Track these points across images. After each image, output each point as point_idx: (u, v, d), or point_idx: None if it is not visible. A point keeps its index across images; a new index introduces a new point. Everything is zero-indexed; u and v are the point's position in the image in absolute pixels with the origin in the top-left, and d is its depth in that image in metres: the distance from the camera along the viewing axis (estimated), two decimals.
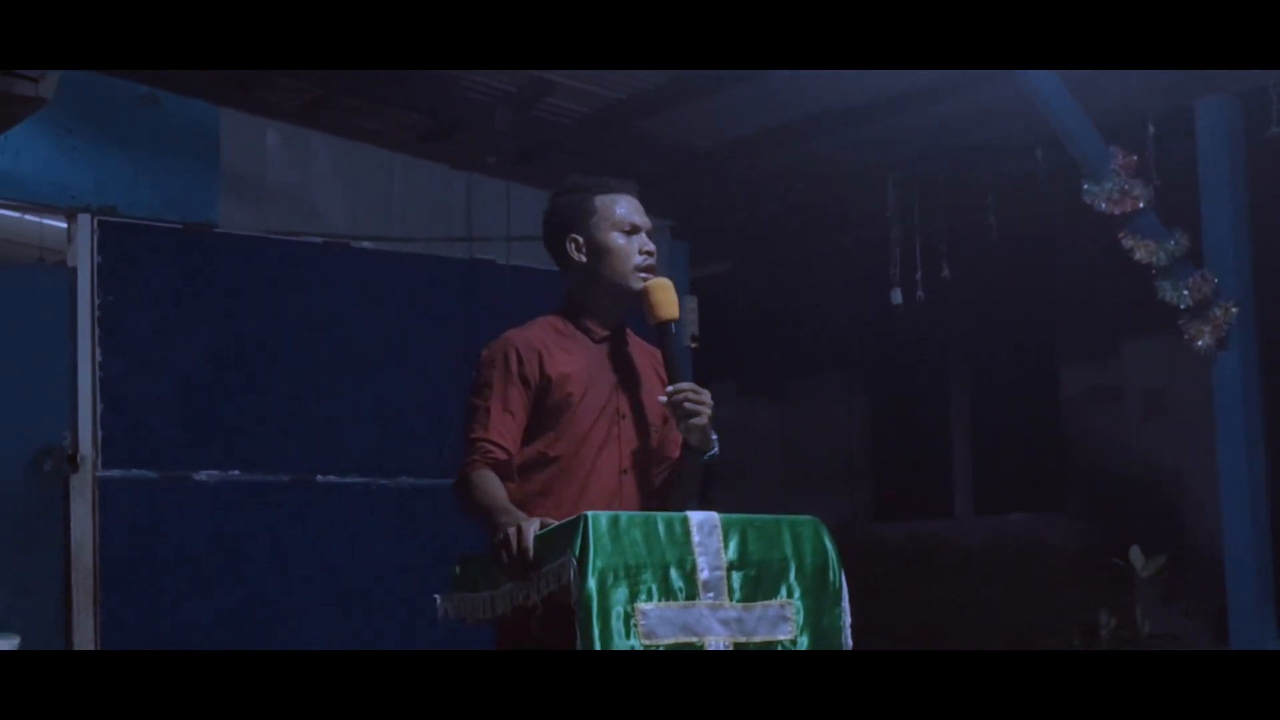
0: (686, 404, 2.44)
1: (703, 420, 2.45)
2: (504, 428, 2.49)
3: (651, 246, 2.58)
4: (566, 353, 2.54)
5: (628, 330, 2.63)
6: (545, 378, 2.51)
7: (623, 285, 2.55)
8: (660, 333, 2.51)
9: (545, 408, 2.51)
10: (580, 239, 2.58)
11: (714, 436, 2.50)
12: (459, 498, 2.48)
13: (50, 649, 4.53)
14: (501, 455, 2.48)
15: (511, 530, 2.27)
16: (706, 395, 2.47)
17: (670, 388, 2.46)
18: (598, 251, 2.56)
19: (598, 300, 2.59)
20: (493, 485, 2.44)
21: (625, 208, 2.58)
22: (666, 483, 2.61)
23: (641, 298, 2.53)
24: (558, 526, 2.26)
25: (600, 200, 2.59)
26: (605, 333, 2.59)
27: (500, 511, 2.37)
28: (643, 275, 2.55)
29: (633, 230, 2.57)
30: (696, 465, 2.53)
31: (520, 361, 2.51)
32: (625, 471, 2.53)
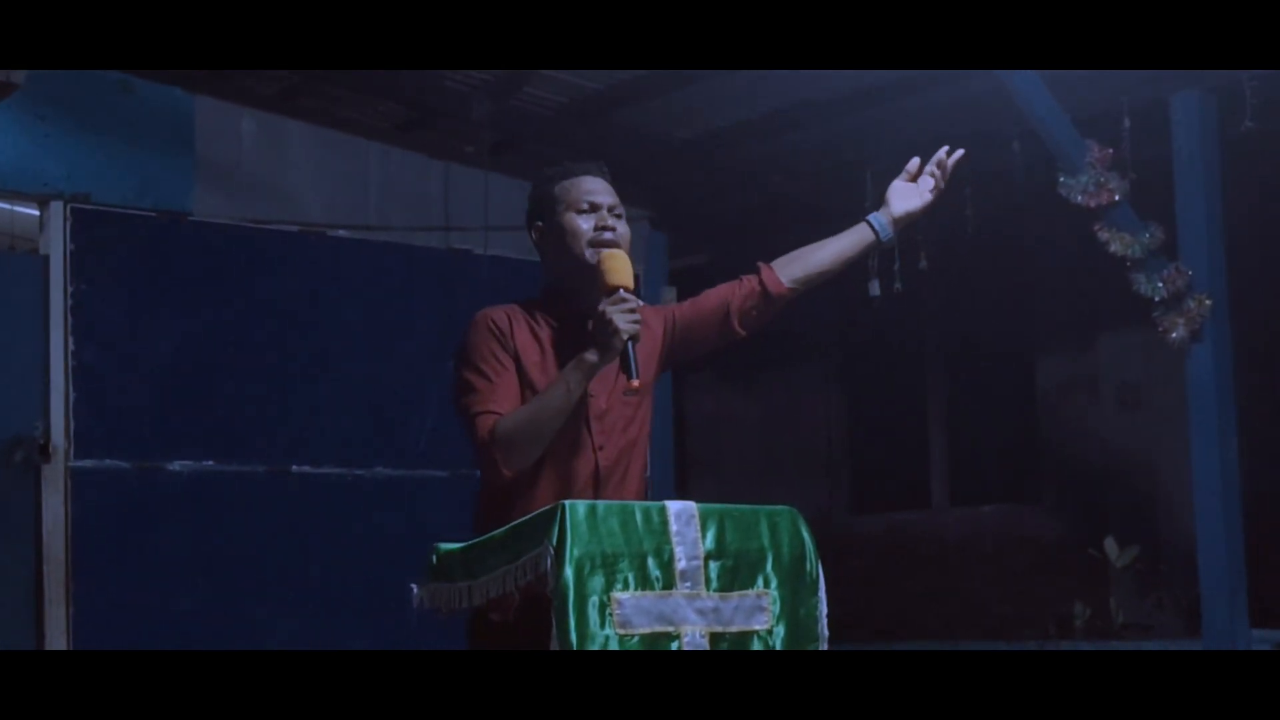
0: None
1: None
2: (505, 387, 2.48)
3: (611, 222, 2.55)
4: (531, 335, 2.54)
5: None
6: (517, 350, 2.52)
7: (579, 261, 2.53)
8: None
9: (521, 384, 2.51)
10: (542, 225, 2.59)
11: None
12: (504, 451, 2.42)
13: (21, 641, 4.50)
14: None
15: (604, 319, 2.37)
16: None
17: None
18: (556, 234, 2.56)
19: (563, 283, 2.58)
20: (521, 408, 2.44)
21: (582, 188, 2.56)
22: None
23: (596, 270, 2.51)
24: (535, 516, 2.26)
25: (560, 186, 2.58)
26: (573, 318, 2.56)
27: (569, 370, 2.42)
28: (599, 250, 2.52)
29: (591, 209, 2.55)
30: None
31: (499, 330, 2.52)
32: (600, 448, 2.52)
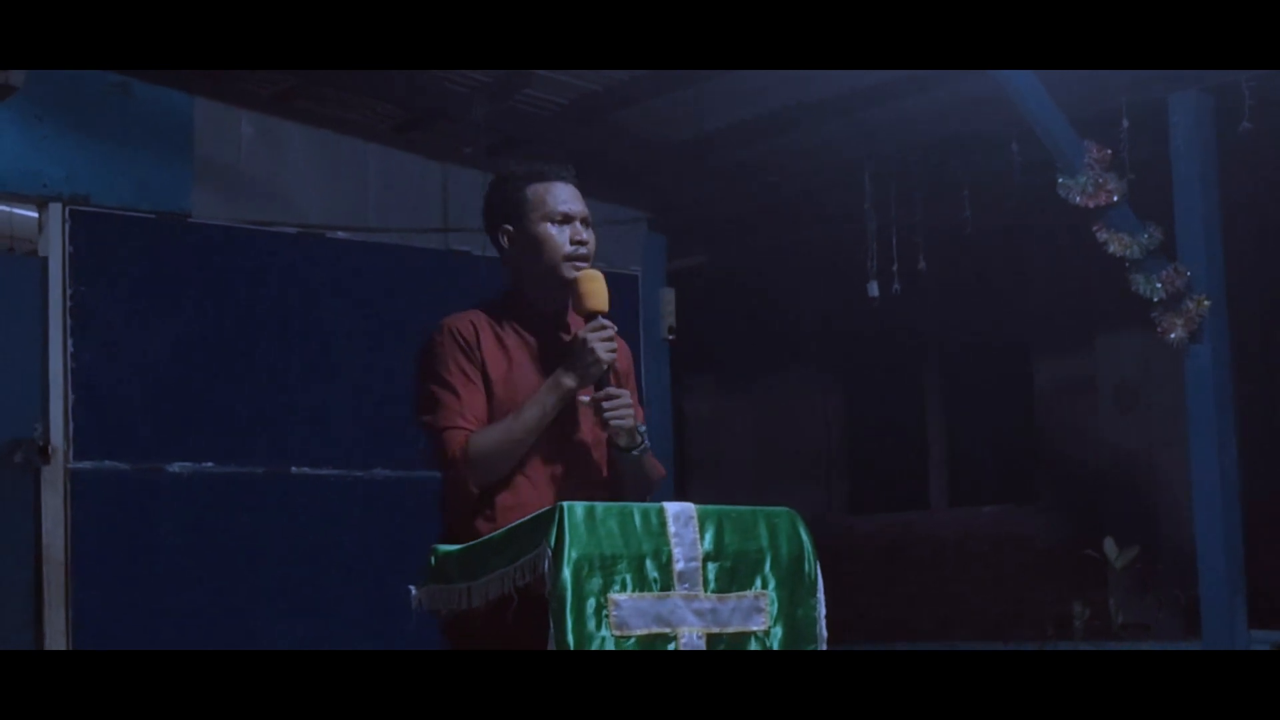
0: (605, 412, 2.44)
1: (626, 423, 2.45)
2: (473, 403, 2.46)
3: (585, 235, 2.53)
4: (498, 346, 2.52)
5: (569, 317, 2.58)
6: (484, 363, 2.50)
7: (554, 275, 2.51)
8: (587, 324, 2.48)
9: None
10: (511, 229, 2.55)
11: (642, 430, 2.50)
12: (475, 469, 2.42)
13: (20, 642, 4.50)
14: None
15: (585, 347, 2.40)
16: (624, 397, 2.46)
17: (586, 398, 2.46)
18: (529, 243, 2.53)
19: (531, 290, 2.56)
20: (495, 425, 2.44)
21: (556, 196, 2.53)
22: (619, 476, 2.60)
23: (572, 288, 2.50)
24: (533, 517, 2.26)
25: (532, 189, 2.54)
26: (538, 322, 2.55)
27: (545, 392, 2.43)
28: (576, 265, 2.51)
29: (564, 219, 2.52)
30: (629, 463, 2.52)
31: (465, 342, 2.50)
32: (567, 458, 2.51)
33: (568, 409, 2.49)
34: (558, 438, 2.50)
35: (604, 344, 2.43)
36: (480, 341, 2.50)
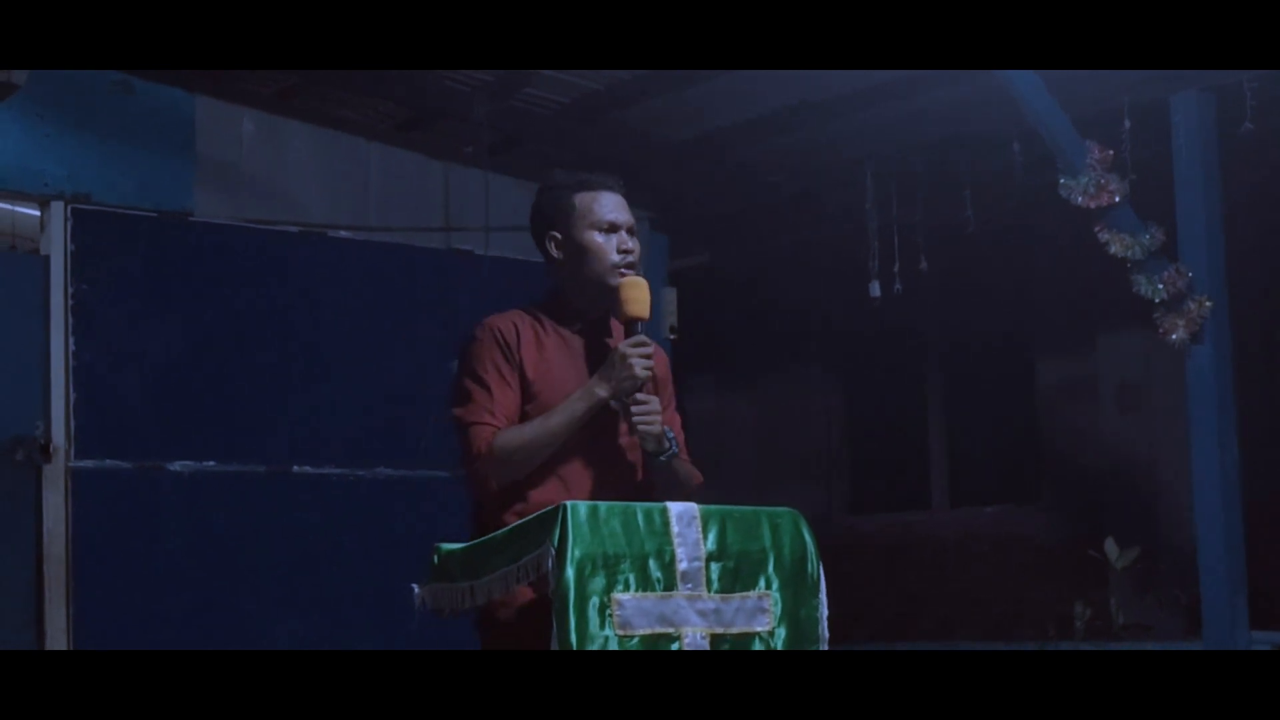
0: (634, 417, 2.47)
1: (654, 428, 2.47)
2: (505, 401, 2.50)
3: (631, 244, 2.59)
4: (536, 347, 2.56)
5: (611, 323, 2.63)
6: (522, 363, 2.53)
7: (600, 283, 2.56)
8: (627, 330, 2.54)
9: (523, 397, 2.52)
10: (559, 236, 2.60)
11: (670, 436, 2.52)
12: (498, 467, 2.45)
13: (21, 641, 4.50)
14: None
15: (624, 362, 2.41)
16: (653, 403, 2.49)
17: (615, 402, 2.49)
18: (576, 250, 2.58)
19: (576, 296, 2.61)
20: (523, 425, 2.47)
21: (604, 206, 2.59)
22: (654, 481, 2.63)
23: (615, 295, 2.54)
24: (536, 516, 2.26)
25: (580, 198, 2.59)
26: (581, 326, 2.60)
27: (577, 399, 2.46)
28: (621, 273, 2.56)
29: (611, 228, 2.58)
30: (659, 468, 2.54)
31: (505, 341, 2.54)
32: (606, 463, 2.54)
33: (606, 412, 2.52)
34: (593, 440, 2.52)
35: (641, 360, 2.46)
36: (520, 342, 2.54)
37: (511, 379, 2.52)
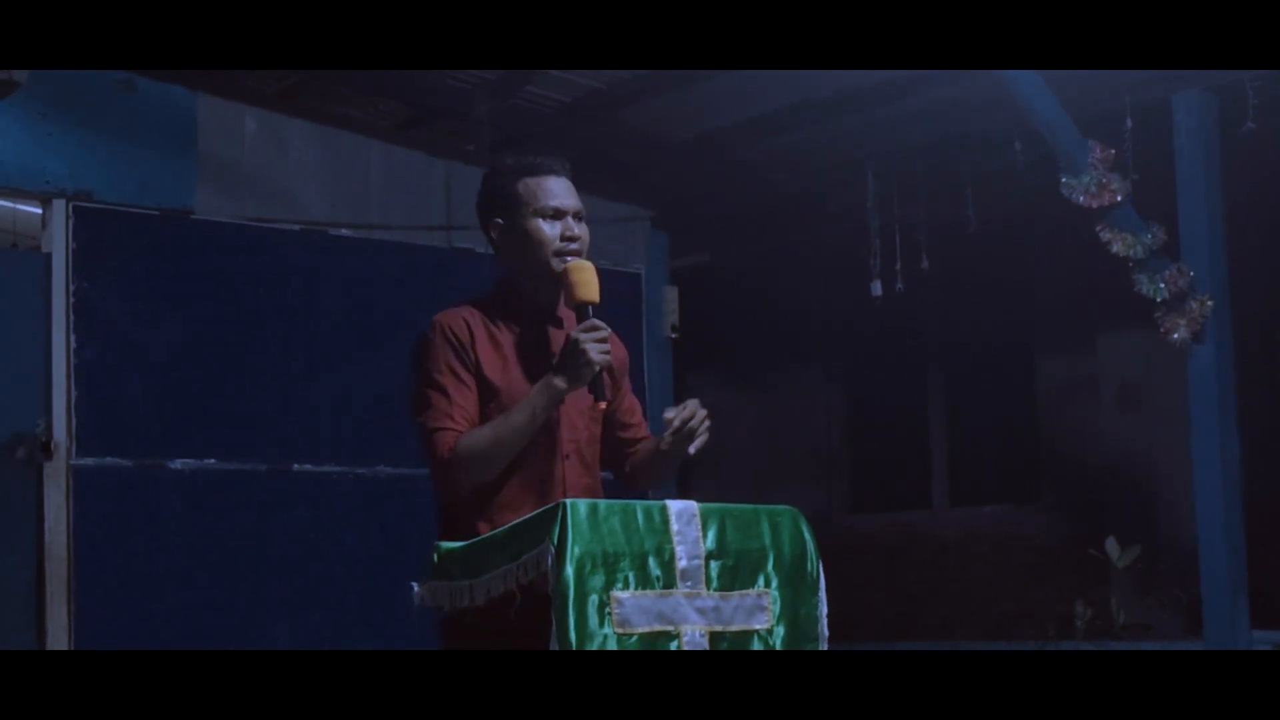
0: (584, 343, 2.40)
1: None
2: (464, 403, 2.45)
3: (578, 230, 2.52)
4: (491, 343, 2.51)
5: (561, 310, 2.57)
6: (477, 361, 2.49)
7: (545, 270, 2.50)
8: (579, 316, 2.47)
9: (484, 395, 2.49)
10: (502, 223, 2.55)
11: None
12: (464, 470, 2.41)
13: (22, 641, 4.50)
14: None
15: (577, 348, 2.34)
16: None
17: (672, 413, 2.44)
18: (520, 237, 2.52)
19: (523, 284, 2.55)
20: (485, 426, 2.43)
21: (549, 190, 2.52)
22: (640, 467, 2.61)
23: (562, 280, 2.49)
24: (536, 515, 2.26)
25: (523, 184, 2.54)
26: (534, 316, 2.55)
27: (535, 394, 2.40)
28: (565, 259, 2.50)
29: (556, 214, 2.51)
30: (678, 458, 2.52)
31: (457, 340, 2.49)
32: (566, 457, 2.51)
33: (564, 407, 2.49)
34: (553, 437, 2.49)
35: (596, 345, 2.41)
36: (474, 339, 2.49)
37: (467, 378, 2.47)
